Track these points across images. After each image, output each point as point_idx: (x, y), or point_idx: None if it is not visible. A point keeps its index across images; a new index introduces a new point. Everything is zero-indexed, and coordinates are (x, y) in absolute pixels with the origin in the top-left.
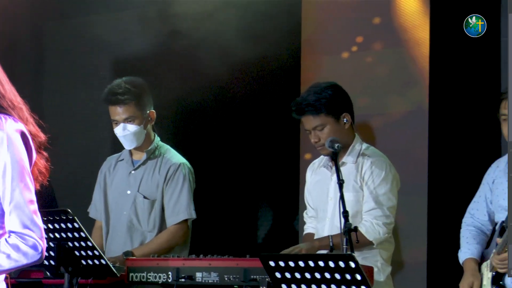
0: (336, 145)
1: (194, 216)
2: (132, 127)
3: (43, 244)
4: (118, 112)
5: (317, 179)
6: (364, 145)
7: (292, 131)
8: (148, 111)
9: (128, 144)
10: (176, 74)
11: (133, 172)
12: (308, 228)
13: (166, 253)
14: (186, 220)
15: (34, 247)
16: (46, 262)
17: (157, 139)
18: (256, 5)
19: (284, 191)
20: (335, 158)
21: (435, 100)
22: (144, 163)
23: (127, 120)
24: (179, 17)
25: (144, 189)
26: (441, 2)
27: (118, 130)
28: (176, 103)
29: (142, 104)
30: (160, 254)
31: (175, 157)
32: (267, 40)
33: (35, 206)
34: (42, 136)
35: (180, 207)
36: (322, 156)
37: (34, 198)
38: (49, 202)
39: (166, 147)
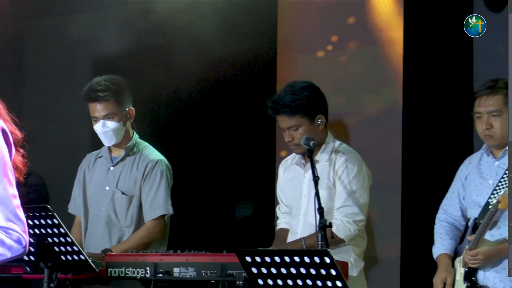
0: (312, 142)
1: (171, 211)
2: (111, 124)
3: (26, 238)
4: (97, 109)
5: (290, 177)
6: (337, 143)
7: (269, 128)
8: (127, 108)
9: (107, 140)
10: (154, 72)
11: (111, 168)
12: (281, 223)
13: (144, 249)
14: (163, 216)
15: (18, 241)
16: (26, 258)
17: (136, 136)
18: (233, 5)
19: (260, 188)
20: (310, 155)
21: (409, 98)
22: (122, 159)
23: (106, 117)
24: (156, 15)
25: (123, 185)
26: (415, 3)
27: (98, 127)
28: (154, 100)
29: (121, 101)
30: (138, 250)
31: (153, 153)
32: (244, 39)
33: (18, 201)
34: (18, 134)
35: (157, 203)
36: (294, 154)
37: (16, 193)
38: (42, 199)
39: (145, 144)
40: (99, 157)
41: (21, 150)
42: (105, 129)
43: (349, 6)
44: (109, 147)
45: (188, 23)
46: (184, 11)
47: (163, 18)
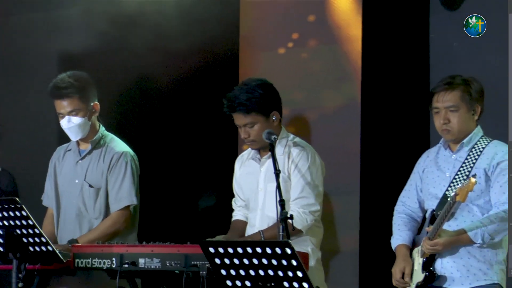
0: (273, 136)
1: (135, 202)
2: (76, 120)
3: None
4: (62, 105)
5: (247, 171)
6: (291, 136)
7: (231, 123)
8: (92, 104)
9: (73, 135)
10: (118, 66)
11: (80, 161)
12: (237, 215)
13: (110, 238)
14: (128, 206)
15: None
16: None
17: (102, 129)
18: (196, 2)
19: (223, 181)
20: (272, 149)
21: (367, 94)
22: (89, 152)
23: (71, 113)
24: (121, 10)
25: (90, 178)
26: (373, 1)
27: (64, 123)
28: (120, 94)
29: (86, 97)
30: (105, 240)
31: (119, 145)
32: (207, 36)
33: None
34: None
35: (122, 194)
36: (250, 149)
37: None
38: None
39: (111, 136)
40: (68, 150)
41: None
42: (70, 124)
43: (309, 4)
44: (77, 140)
45: (151, 19)
46: (147, 6)
47: (127, 13)
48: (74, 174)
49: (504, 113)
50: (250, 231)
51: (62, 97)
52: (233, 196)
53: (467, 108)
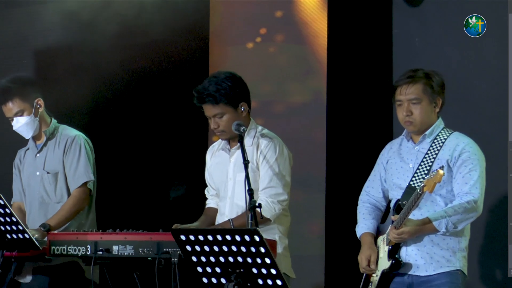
0: (242, 128)
1: (92, 178)
2: (23, 119)
3: None
4: (8, 109)
5: (217, 161)
6: (259, 128)
7: (202, 115)
8: (35, 100)
9: (25, 134)
10: (91, 61)
11: (38, 155)
12: (210, 203)
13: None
14: (86, 183)
15: None
16: None
17: (54, 121)
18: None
19: (193, 171)
20: (241, 140)
21: (333, 87)
22: (45, 144)
23: (17, 114)
24: (94, 8)
25: (49, 166)
26: None
27: (14, 125)
28: (91, 88)
29: (26, 96)
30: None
31: (71, 131)
32: (178, 31)
33: None
34: None
35: (79, 173)
36: (220, 140)
37: None
38: None
39: (64, 126)
40: (27, 149)
41: None
42: (18, 124)
43: (277, 1)
44: (33, 138)
45: (121, 14)
46: (115, 2)
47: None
48: (35, 167)
49: (463, 105)
50: (220, 219)
51: (5, 102)
52: (202, 186)
53: (428, 100)
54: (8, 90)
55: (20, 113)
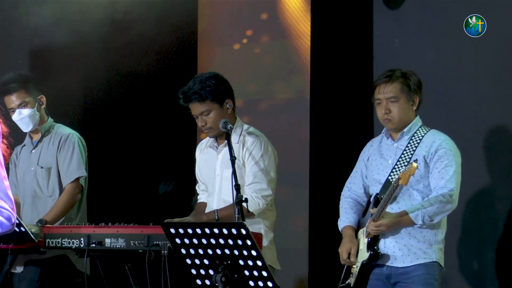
0: (229, 126)
1: (84, 174)
2: (26, 111)
3: (15, 216)
4: (12, 100)
5: (205, 158)
6: (245, 126)
7: (190, 115)
8: (38, 96)
9: (24, 126)
10: (85, 61)
11: (33, 151)
12: (201, 198)
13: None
14: (78, 179)
15: (8, 219)
16: None
17: (50, 119)
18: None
19: (183, 168)
20: (228, 138)
21: (316, 86)
22: (40, 140)
23: (20, 106)
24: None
25: (43, 162)
26: (321, 0)
27: (15, 116)
28: (84, 87)
29: (31, 90)
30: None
31: (66, 129)
32: (168, 32)
33: (8, 183)
34: (4, 128)
35: (72, 169)
36: (208, 138)
37: (6, 175)
38: None
39: (59, 124)
40: (23, 146)
41: (5, 141)
42: (21, 116)
43: (262, 3)
44: (29, 134)
45: (111, 14)
46: (105, 3)
47: (85, 12)
48: (29, 163)
49: (441, 104)
50: None
51: (10, 92)
52: (190, 181)
53: (406, 98)
54: (15, 80)
55: (24, 105)
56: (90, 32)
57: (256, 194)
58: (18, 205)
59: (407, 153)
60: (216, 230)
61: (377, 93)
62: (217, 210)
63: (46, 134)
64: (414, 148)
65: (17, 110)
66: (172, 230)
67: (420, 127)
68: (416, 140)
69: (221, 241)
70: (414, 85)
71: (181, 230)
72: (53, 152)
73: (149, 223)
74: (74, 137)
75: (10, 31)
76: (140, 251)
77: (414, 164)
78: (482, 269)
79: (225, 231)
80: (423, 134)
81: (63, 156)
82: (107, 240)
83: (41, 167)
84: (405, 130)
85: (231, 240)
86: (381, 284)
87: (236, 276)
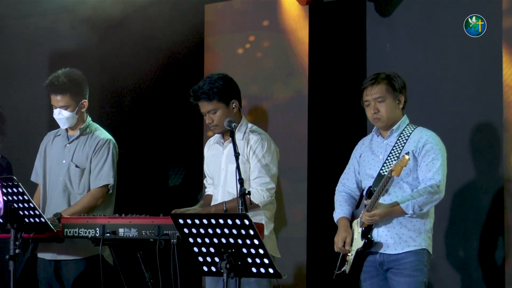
0: (233, 124)
1: (112, 182)
2: (65, 113)
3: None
4: (56, 99)
5: (212, 153)
6: (250, 125)
7: (198, 113)
8: (81, 101)
9: (62, 125)
10: (101, 66)
11: (68, 145)
12: (208, 191)
13: (89, 211)
14: (106, 185)
15: None
16: None
17: (89, 119)
18: (162, 11)
19: (190, 163)
20: (232, 135)
21: (313, 88)
22: (77, 138)
23: (62, 107)
24: (102, 19)
25: (76, 159)
26: (318, 9)
27: (55, 114)
28: (101, 90)
29: (76, 95)
30: (84, 212)
31: (103, 134)
32: (177, 39)
33: None
34: None
35: (102, 175)
36: (216, 135)
37: None
38: (6, 172)
39: (96, 126)
40: (58, 135)
41: None
42: (60, 116)
43: (263, 12)
44: (66, 128)
45: (129, 27)
46: (116, 7)
47: (103, 18)
48: (62, 155)
49: (427, 103)
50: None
51: (55, 92)
52: (197, 175)
53: (392, 98)
54: (63, 84)
55: (65, 107)
56: (108, 39)
57: (261, 187)
58: (39, 193)
59: (396, 149)
60: (221, 221)
61: (365, 95)
62: (225, 202)
63: (83, 134)
64: (403, 144)
65: (58, 109)
66: (181, 221)
67: (407, 125)
68: (405, 137)
69: (226, 230)
70: (398, 85)
71: (189, 221)
72: (88, 153)
73: (160, 214)
74: (110, 144)
75: (33, 38)
76: (151, 240)
77: (406, 156)
78: (467, 257)
79: (229, 221)
80: (410, 131)
81: (96, 160)
82: (121, 230)
83: (76, 166)
84: (394, 128)
85: (235, 230)
86: (374, 270)
87: (239, 263)
